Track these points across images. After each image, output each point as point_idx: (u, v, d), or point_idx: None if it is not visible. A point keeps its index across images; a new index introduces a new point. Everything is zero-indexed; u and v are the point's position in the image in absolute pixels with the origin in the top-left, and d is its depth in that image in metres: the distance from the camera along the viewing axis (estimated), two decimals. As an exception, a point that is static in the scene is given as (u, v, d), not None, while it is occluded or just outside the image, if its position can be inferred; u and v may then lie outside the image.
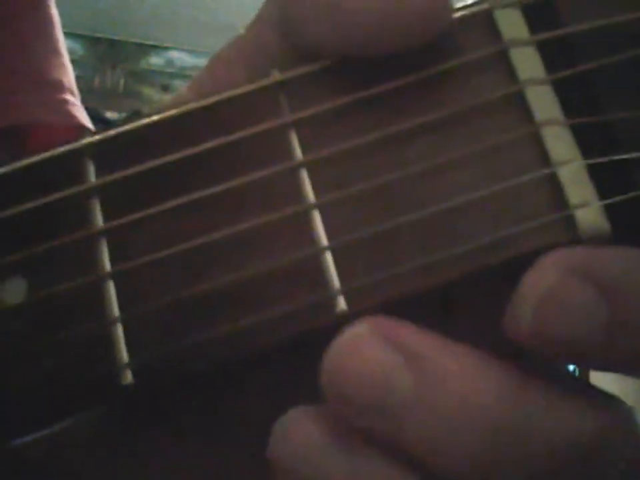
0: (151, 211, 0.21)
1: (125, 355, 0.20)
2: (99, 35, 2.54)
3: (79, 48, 2.59)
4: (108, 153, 0.22)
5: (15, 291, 0.22)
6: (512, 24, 0.21)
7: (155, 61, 2.76)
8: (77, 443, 0.28)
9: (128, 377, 0.20)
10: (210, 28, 2.54)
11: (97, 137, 0.23)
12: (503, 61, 0.21)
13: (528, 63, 0.21)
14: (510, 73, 0.21)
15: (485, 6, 0.21)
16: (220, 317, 0.20)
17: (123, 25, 2.50)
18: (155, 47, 2.75)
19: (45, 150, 0.23)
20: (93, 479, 0.27)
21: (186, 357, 0.20)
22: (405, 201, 0.20)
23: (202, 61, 2.71)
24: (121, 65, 2.70)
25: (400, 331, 0.19)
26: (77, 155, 0.23)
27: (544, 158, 0.20)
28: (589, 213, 0.19)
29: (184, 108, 0.22)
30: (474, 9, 0.21)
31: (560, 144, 0.20)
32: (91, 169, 0.22)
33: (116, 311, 0.21)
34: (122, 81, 2.72)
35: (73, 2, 2.24)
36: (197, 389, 0.25)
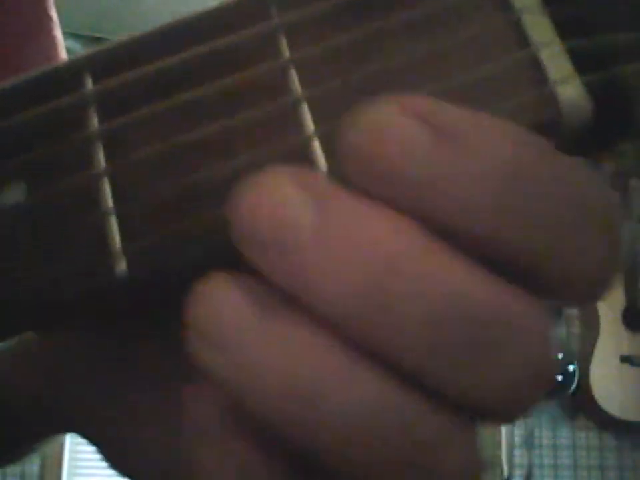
0: (144, 111, 0.22)
1: (118, 244, 0.21)
2: (99, 35, 2.54)
3: (78, 48, 2.59)
4: (104, 65, 0.23)
5: (15, 194, 0.23)
6: None
7: (155, 60, 2.76)
8: (68, 359, 0.28)
9: (122, 265, 0.21)
10: (210, 27, 2.54)
11: (93, 50, 0.24)
12: None
13: None
14: None
15: None
16: (210, 206, 0.21)
17: (123, 25, 2.51)
18: (155, 46, 2.75)
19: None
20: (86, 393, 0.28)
21: (178, 244, 0.21)
22: (391, 89, 0.21)
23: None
24: (121, 65, 2.70)
25: (311, 175, 0.19)
26: (74, 68, 0.23)
27: (524, 42, 0.20)
28: (570, 88, 0.20)
29: (175, 20, 0.23)
30: None
31: (539, 28, 0.20)
32: (88, 79, 0.23)
33: (110, 204, 0.21)
34: (122, 81, 2.72)
35: (73, 2, 2.25)
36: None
